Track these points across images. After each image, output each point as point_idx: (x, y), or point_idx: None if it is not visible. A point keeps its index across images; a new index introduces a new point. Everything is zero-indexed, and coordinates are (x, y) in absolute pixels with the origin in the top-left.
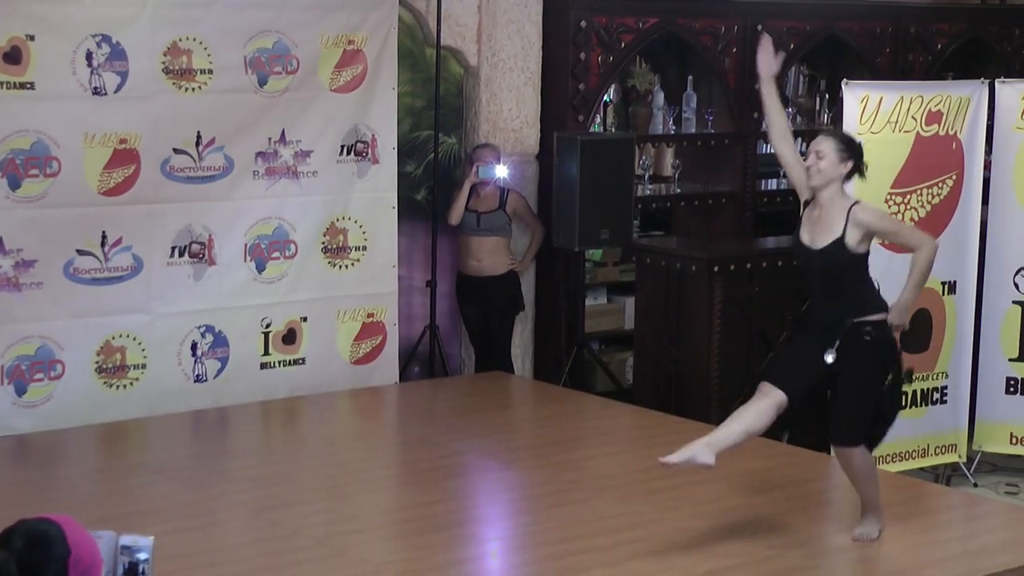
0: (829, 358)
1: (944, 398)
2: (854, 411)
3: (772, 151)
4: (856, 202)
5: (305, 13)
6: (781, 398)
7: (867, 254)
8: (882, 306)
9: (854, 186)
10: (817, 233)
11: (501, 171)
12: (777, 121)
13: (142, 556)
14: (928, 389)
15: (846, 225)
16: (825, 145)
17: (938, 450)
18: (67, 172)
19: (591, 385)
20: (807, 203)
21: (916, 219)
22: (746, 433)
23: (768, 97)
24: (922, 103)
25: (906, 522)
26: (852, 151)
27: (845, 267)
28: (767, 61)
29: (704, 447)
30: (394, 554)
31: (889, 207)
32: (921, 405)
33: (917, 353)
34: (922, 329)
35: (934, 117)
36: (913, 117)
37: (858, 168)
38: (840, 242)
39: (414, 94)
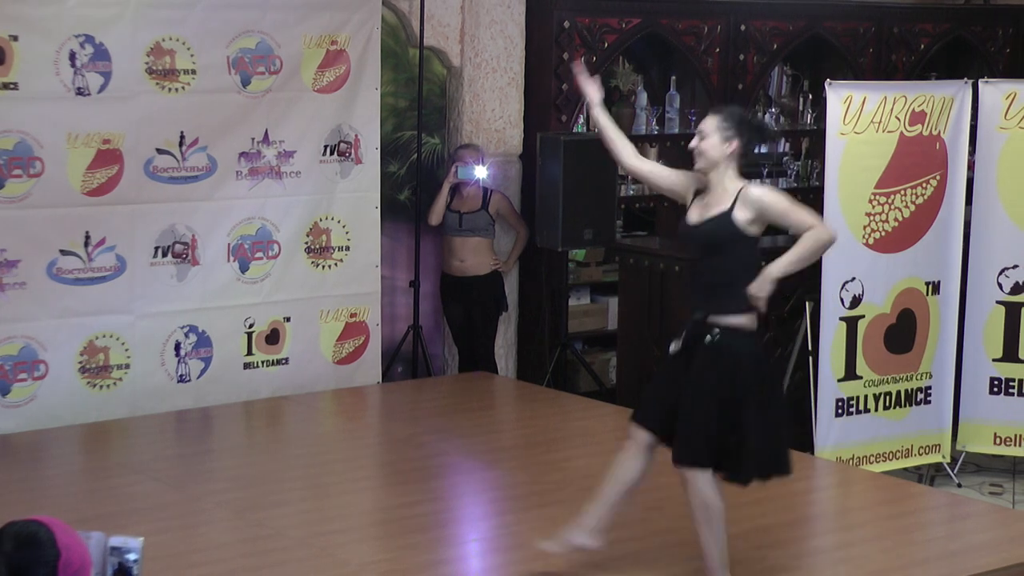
0: (672, 346)
1: (928, 398)
2: (687, 425)
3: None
4: (748, 182)
5: (288, 13)
6: (643, 438)
7: (755, 240)
8: (746, 312)
9: (836, 185)
10: (704, 215)
11: (481, 171)
12: (619, 142)
13: (132, 557)
14: (912, 389)
15: (735, 201)
16: (708, 124)
17: (922, 450)
18: (50, 172)
19: (574, 385)
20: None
21: (900, 219)
22: (619, 490)
23: (602, 120)
24: (905, 103)
25: (890, 522)
26: (738, 128)
27: (727, 244)
28: (590, 86)
29: (577, 529)
30: (377, 554)
31: (873, 207)
32: (905, 405)
33: (901, 353)
34: (906, 330)
35: (918, 117)
36: (897, 117)
37: (749, 146)
38: (727, 215)
39: (397, 94)
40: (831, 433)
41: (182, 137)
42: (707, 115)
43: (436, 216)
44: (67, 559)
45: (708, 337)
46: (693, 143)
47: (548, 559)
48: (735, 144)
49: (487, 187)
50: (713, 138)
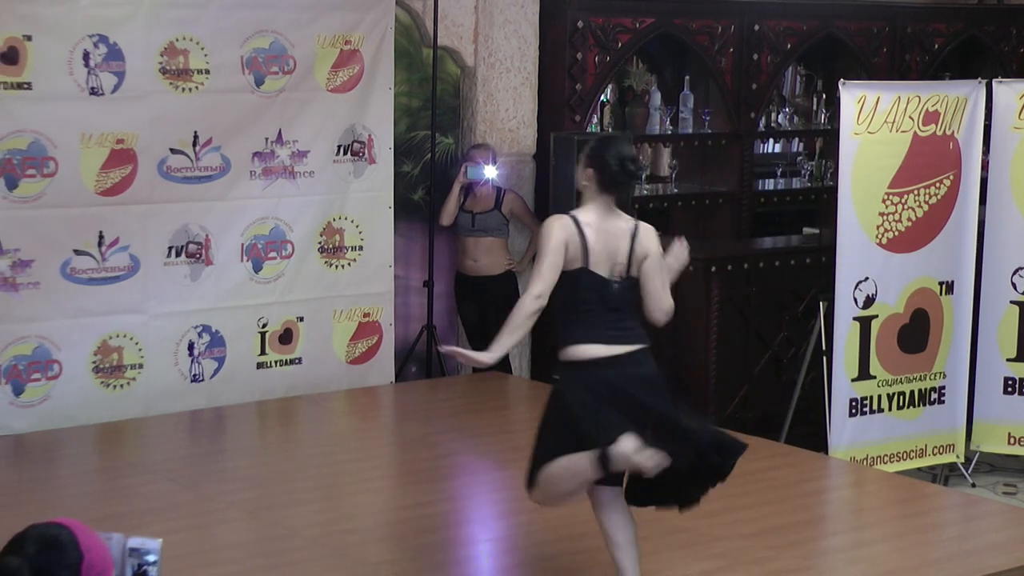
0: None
1: (942, 398)
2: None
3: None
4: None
5: (302, 13)
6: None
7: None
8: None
9: (849, 185)
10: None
11: (490, 171)
12: (519, 330)
13: (151, 558)
14: (926, 389)
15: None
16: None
17: (936, 450)
18: (64, 172)
19: None
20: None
21: (914, 219)
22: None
23: (500, 352)
24: (919, 103)
25: (903, 522)
26: (593, 158)
27: None
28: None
29: None
30: (391, 554)
31: (887, 207)
32: (919, 405)
33: (915, 353)
34: (920, 330)
35: (931, 117)
36: (910, 117)
37: (601, 174)
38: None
39: (411, 94)
40: (845, 433)
41: (196, 137)
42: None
43: (447, 216)
44: (90, 561)
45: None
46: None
47: (561, 559)
48: (589, 171)
49: (501, 187)
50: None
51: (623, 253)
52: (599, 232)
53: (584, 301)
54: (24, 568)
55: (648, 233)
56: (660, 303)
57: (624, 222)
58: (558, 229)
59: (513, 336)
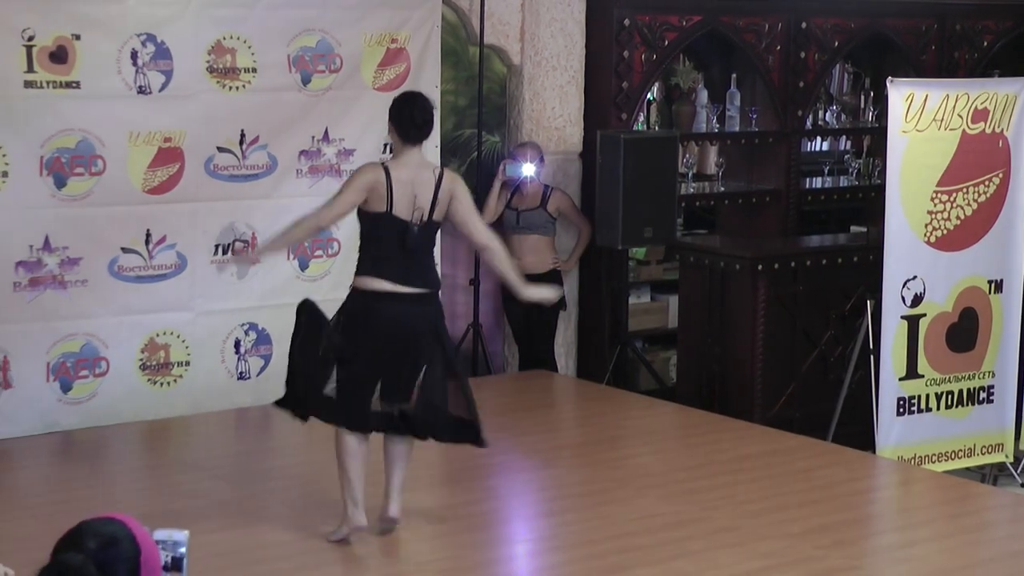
0: None
1: (990, 397)
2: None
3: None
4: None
5: (348, 12)
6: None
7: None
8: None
9: (897, 183)
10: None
11: (528, 169)
12: (298, 230)
13: (183, 550)
14: (974, 388)
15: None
16: None
17: (984, 450)
18: (112, 171)
19: (634, 383)
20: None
21: (962, 217)
22: None
23: (279, 242)
24: (968, 101)
25: (951, 522)
26: (391, 114)
27: None
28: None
29: None
30: (435, 552)
31: (935, 205)
32: (967, 404)
33: (963, 352)
34: (968, 329)
35: (980, 115)
36: (959, 115)
37: (400, 131)
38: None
39: (457, 92)
40: (892, 432)
41: (242, 135)
42: None
43: (489, 214)
44: (147, 554)
45: None
46: None
47: (607, 557)
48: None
49: (547, 185)
50: None
51: (426, 200)
52: (404, 181)
53: (383, 241)
54: (89, 564)
55: (452, 179)
56: (476, 237)
57: (429, 171)
58: (369, 173)
59: (284, 237)
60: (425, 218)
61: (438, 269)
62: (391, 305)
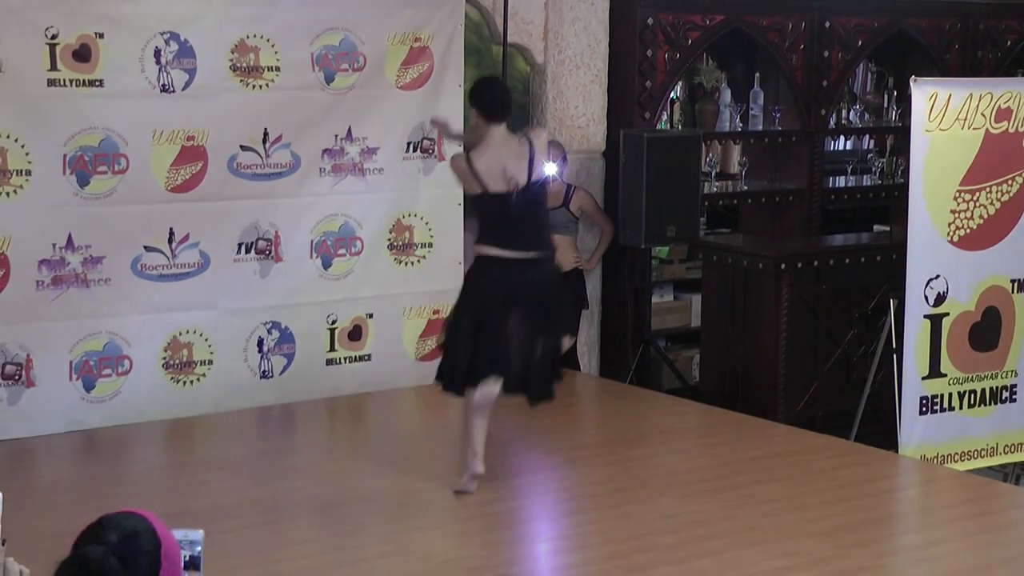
0: None
1: (1013, 396)
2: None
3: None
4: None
5: (371, 10)
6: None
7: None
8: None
9: (921, 182)
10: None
11: (549, 168)
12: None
13: (199, 549)
14: (997, 387)
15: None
16: None
17: (1007, 449)
18: (135, 169)
19: (657, 382)
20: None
21: (985, 216)
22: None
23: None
24: (991, 100)
25: (974, 521)
26: (474, 99)
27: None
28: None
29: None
30: (459, 550)
31: (958, 204)
32: (990, 403)
33: (986, 351)
34: (991, 328)
35: (1003, 114)
36: (982, 114)
37: (486, 113)
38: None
39: None
40: (915, 431)
41: (266, 134)
42: None
43: None
44: (167, 548)
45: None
46: None
47: (630, 556)
48: (472, 111)
49: (570, 184)
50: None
51: (520, 169)
52: (489, 162)
53: (489, 215)
54: (109, 556)
55: (543, 142)
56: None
57: (515, 142)
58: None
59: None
60: (522, 184)
61: (461, 268)
62: (503, 268)
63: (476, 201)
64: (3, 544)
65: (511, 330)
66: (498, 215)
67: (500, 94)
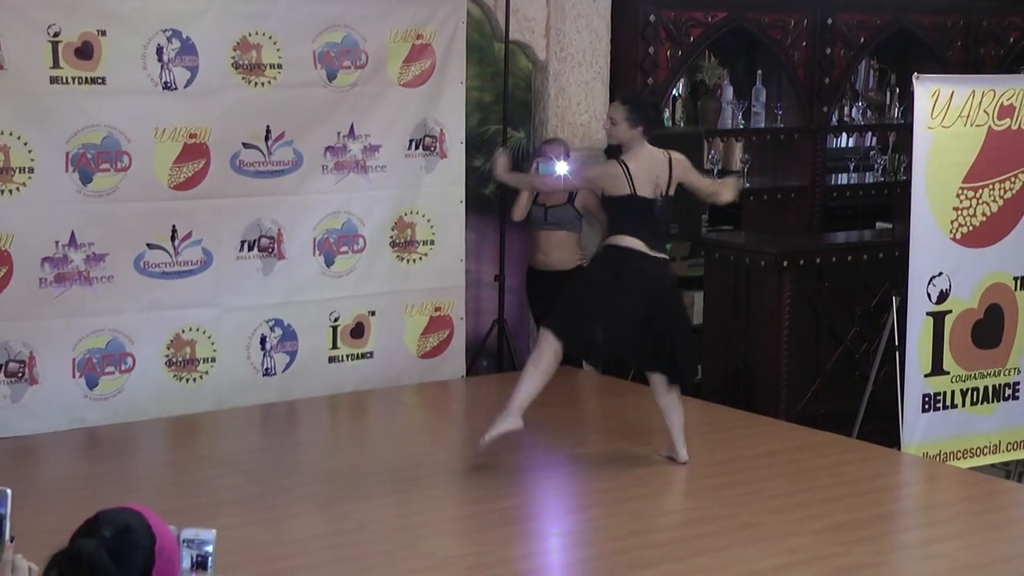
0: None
1: (1016, 394)
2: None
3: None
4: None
5: (374, 7)
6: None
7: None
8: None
9: (923, 179)
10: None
11: (562, 167)
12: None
13: (209, 549)
14: (1000, 385)
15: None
16: (615, 113)
17: (1010, 446)
18: (137, 166)
19: None
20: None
21: (988, 214)
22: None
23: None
24: (994, 97)
25: (976, 519)
26: (639, 116)
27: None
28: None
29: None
30: (461, 548)
31: (961, 201)
32: (993, 401)
33: (989, 349)
34: (994, 325)
35: (1006, 111)
36: (985, 111)
37: (648, 127)
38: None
39: (482, 88)
40: (917, 428)
41: (268, 131)
42: (614, 103)
43: (519, 212)
44: (161, 544)
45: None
46: (605, 124)
47: (632, 552)
48: (639, 128)
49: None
50: (622, 124)
51: (664, 179)
52: (644, 169)
53: (633, 213)
54: (101, 550)
55: (679, 162)
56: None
57: (660, 154)
58: (611, 167)
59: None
60: (664, 194)
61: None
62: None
63: (620, 202)
64: (12, 541)
65: (632, 317)
66: (643, 216)
67: (658, 111)
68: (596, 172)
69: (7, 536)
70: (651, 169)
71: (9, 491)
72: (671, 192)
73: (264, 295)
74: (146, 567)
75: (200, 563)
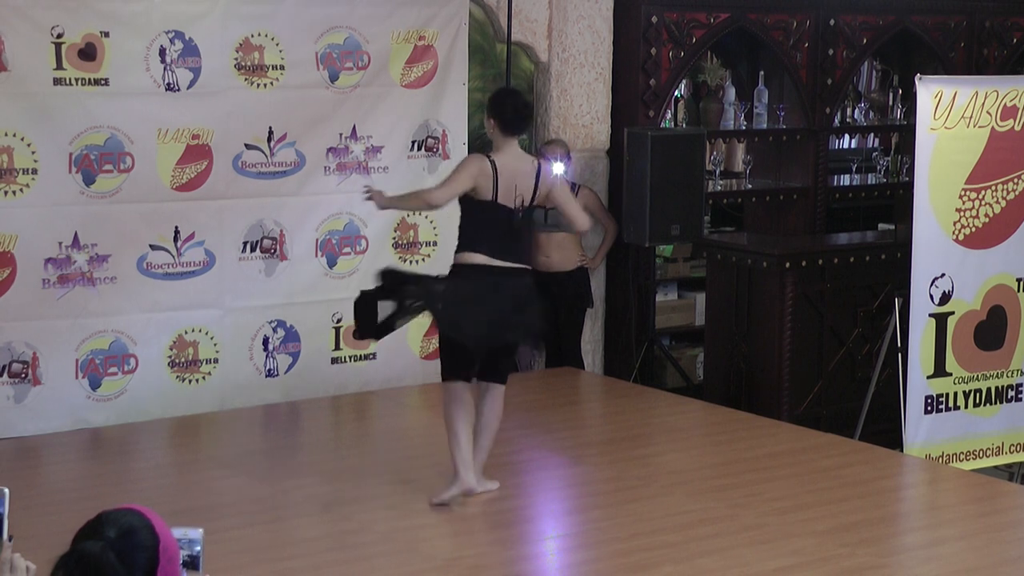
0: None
1: (1019, 396)
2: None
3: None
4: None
5: (376, 9)
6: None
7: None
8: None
9: (926, 181)
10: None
11: (558, 167)
12: (414, 198)
13: (198, 548)
14: (1003, 387)
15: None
16: None
17: (1013, 448)
18: (140, 168)
19: (661, 381)
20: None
21: (991, 215)
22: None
23: (396, 201)
24: (997, 98)
25: (979, 520)
26: (491, 109)
27: None
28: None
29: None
30: (463, 549)
31: (963, 203)
32: (995, 403)
33: (992, 350)
34: (997, 327)
35: (1009, 112)
36: (988, 112)
37: (500, 123)
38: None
39: (485, 90)
40: (920, 430)
41: (270, 132)
42: None
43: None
44: (165, 544)
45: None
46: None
47: (634, 554)
48: (491, 121)
49: (574, 183)
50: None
51: (527, 188)
52: (508, 172)
53: (488, 224)
54: (107, 551)
55: (547, 172)
56: (576, 222)
57: (528, 163)
58: (476, 163)
59: (403, 202)
60: (526, 204)
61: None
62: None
63: (475, 206)
64: (10, 540)
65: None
66: (496, 225)
67: (522, 108)
68: (468, 170)
69: (5, 535)
70: (513, 175)
71: (7, 491)
72: (535, 203)
73: (267, 296)
74: (151, 567)
75: (191, 562)
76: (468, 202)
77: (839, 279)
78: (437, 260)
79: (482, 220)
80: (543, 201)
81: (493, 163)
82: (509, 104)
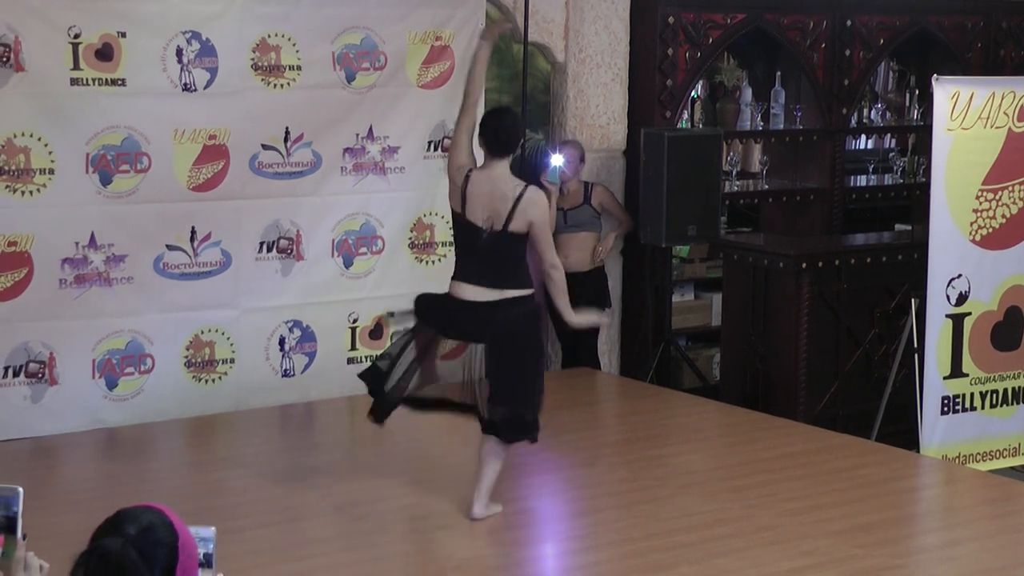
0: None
1: None
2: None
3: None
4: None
5: (393, 9)
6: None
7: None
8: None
9: (943, 181)
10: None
11: (556, 159)
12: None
13: (211, 546)
14: (1019, 387)
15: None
16: None
17: None
18: (157, 168)
19: (678, 382)
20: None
21: (1008, 215)
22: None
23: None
24: (1014, 98)
25: (996, 521)
26: (480, 130)
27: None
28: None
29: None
30: (479, 550)
31: (980, 203)
32: (1012, 403)
33: (1008, 351)
34: (1014, 327)
35: None
36: (1005, 113)
37: (486, 144)
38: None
39: (501, 90)
40: (936, 431)
41: (287, 133)
42: None
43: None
44: (184, 540)
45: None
46: None
47: (649, 555)
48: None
49: (587, 181)
50: None
51: (501, 212)
52: (481, 191)
53: (461, 241)
54: (128, 548)
55: (531, 202)
56: (544, 259)
57: (510, 187)
58: (455, 165)
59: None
60: (498, 228)
61: None
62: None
63: (454, 217)
64: (24, 539)
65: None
66: (468, 244)
67: (502, 132)
68: (451, 166)
69: (19, 534)
70: (488, 194)
71: (21, 490)
72: (508, 229)
73: (283, 296)
74: (170, 564)
75: (204, 561)
76: (452, 212)
77: (856, 280)
78: (453, 261)
79: (457, 236)
80: (518, 229)
81: (468, 175)
82: (490, 127)
